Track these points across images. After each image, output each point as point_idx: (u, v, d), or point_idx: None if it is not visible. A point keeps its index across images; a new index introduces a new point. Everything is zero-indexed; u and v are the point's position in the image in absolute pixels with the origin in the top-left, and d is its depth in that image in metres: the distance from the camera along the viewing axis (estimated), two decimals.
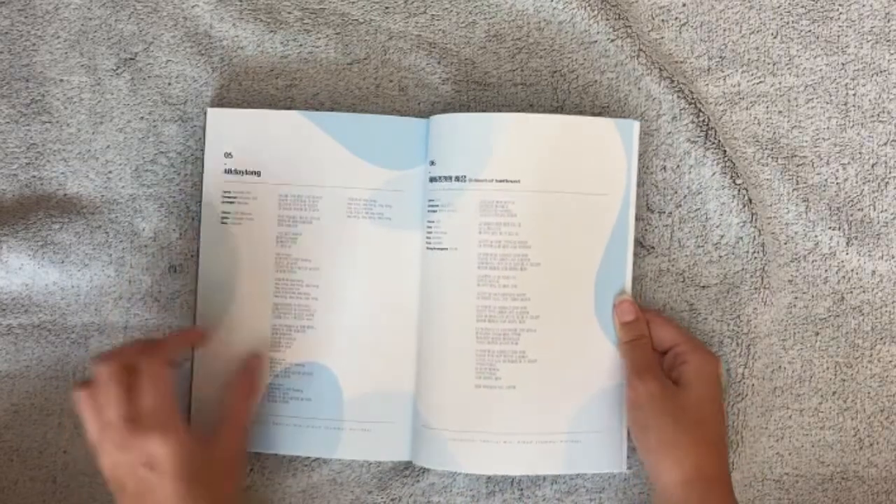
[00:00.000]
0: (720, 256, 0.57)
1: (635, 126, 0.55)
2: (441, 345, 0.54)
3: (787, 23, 0.59)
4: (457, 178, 0.54)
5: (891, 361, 0.58)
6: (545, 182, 0.54)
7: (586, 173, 0.54)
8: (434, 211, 0.55)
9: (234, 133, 0.56)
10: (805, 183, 0.58)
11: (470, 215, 0.54)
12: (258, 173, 0.56)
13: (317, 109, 0.58)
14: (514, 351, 0.54)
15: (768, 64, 0.59)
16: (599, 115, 0.58)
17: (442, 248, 0.54)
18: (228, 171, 0.56)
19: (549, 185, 0.54)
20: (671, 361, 0.53)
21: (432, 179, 0.55)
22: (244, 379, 0.54)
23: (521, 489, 0.57)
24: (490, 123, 0.54)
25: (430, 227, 0.55)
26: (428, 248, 0.55)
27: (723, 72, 0.59)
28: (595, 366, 0.55)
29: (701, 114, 0.58)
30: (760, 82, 0.59)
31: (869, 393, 0.58)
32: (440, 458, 0.54)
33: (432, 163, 0.55)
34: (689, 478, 0.49)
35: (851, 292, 0.58)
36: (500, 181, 0.54)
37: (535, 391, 0.54)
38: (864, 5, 0.59)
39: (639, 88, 0.58)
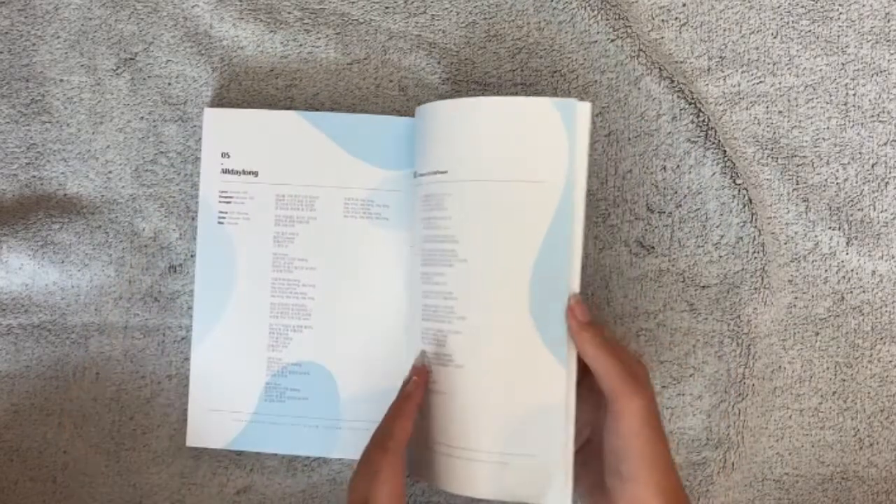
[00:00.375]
0: (720, 256, 0.57)
1: (579, 107, 0.47)
2: (408, 345, 0.53)
3: (787, 23, 0.59)
4: (414, 175, 0.53)
5: (891, 361, 0.58)
6: (474, 171, 0.48)
7: (521, 160, 0.47)
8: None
9: (231, 133, 0.56)
10: (805, 183, 0.58)
11: (418, 211, 0.52)
12: (255, 173, 0.56)
13: (317, 109, 0.58)
14: (443, 354, 0.49)
15: (768, 64, 0.59)
16: (598, 114, 0.58)
17: (411, 246, 0.54)
18: (225, 171, 0.56)
19: (479, 173, 0.48)
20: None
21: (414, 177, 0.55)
22: (404, 403, 0.49)
23: None
24: (431, 113, 0.51)
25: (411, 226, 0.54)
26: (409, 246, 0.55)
27: (723, 72, 0.58)
28: (531, 378, 0.47)
29: (701, 114, 0.58)
30: (760, 82, 0.59)
31: (869, 393, 0.58)
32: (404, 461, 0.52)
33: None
34: (672, 497, 0.43)
35: (851, 292, 0.58)
36: (434, 173, 0.50)
37: (461, 400, 0.48)
38: (864, 5, 0.59)
39: (639, 88, 0.58)
